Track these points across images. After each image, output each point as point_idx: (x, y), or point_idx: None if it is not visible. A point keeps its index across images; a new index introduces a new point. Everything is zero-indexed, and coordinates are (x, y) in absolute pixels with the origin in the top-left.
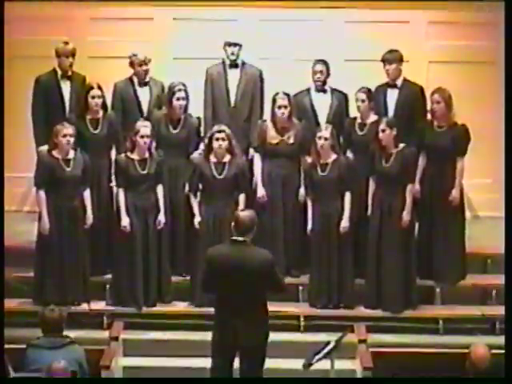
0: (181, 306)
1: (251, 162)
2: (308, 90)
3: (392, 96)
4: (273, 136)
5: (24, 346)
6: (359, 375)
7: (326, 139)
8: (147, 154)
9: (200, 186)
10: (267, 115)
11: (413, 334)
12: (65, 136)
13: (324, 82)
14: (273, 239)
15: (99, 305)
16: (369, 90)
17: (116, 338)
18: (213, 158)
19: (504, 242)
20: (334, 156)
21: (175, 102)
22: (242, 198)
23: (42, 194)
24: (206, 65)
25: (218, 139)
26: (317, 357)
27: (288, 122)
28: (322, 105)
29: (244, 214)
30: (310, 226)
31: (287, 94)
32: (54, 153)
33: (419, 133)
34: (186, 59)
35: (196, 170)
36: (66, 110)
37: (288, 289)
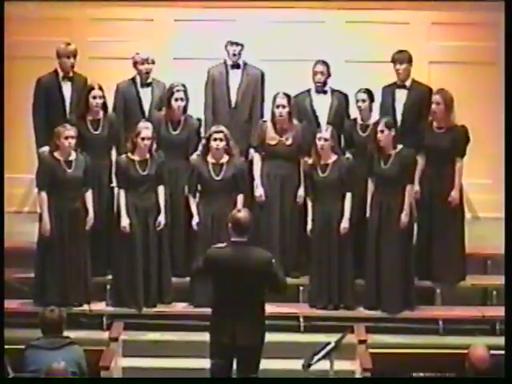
0: (181, 307)
1: (251, 162)
2: (308, 90)
3: (400, 97)
4: (272, 137)
5: (24, 347)
6: (359, 376)
7: (326, 140)
8: (148, 155)
9: (198, 187)
10: (268, 116)
11: (413, 334)
12: (66, 138)
13: (324, 83)
14: (271, 239)
15: (99, 305)
16: (369, 90)
17: (116, 339)
18: (211, 159)
19: (504, 243)
20: (334, 157)
21: (174, 103)
22: (240, 198)
23: (44, 195)
24: (206, 65)
25: (215, 140)
26: (316, 357)
27: (287, 123)
28: (323, 106)
29: (241, 214)
30: (310, 227)
31: (287, 95)
32: (56, 154)
33: (419, 134)
34: (186, 60)
35: (194, 170)
36: (67, 111)
37: (289, 289)
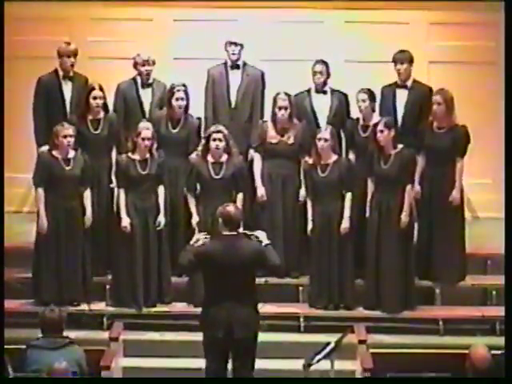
0: (181, 307)
1: (251, 162)
2: (308, 90)
3: (401, 96)
4: (272, 136)
5: (24, 347)
6: (359, 376)
7: (326, 140)
8: (148, 155)
9: (198, 186)
10: (268, 116)
11: (413, 334)
12: (65, 137)
13: (324, 83)
14: (272, 239)
15: (99, 305)
16: (369, 90)
17: (116, 339)
18: (210, 158)
19: (504, 243)
20: (334, 157)
21: (174, 103)
22: (239, 197)
23: (41, 191)
24: (206, 65)
25: (215, 139)
26: (317, 357)
27: (288, 123)
28: (322, 105)
29: (231, 208)
30: (310, 227)
31: (288, 95)
32: (54, 152)
33: (419, 134)
34: (186, 59)
35: (193, 170)
36: (67, 111)
37: (289, 288)
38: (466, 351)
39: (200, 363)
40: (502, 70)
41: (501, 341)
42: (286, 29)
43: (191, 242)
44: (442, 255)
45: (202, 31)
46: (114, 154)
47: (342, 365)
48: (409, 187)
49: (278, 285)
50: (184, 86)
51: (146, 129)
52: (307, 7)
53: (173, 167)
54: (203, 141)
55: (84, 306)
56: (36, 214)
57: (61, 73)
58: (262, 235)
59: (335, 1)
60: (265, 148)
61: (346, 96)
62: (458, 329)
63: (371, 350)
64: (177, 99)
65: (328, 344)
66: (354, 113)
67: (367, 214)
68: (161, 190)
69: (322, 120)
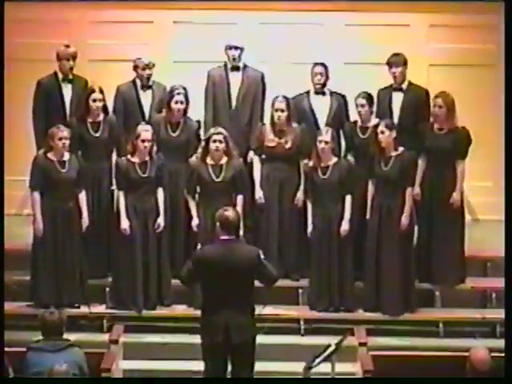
0: (180, 309)
1: (251, 164)
2: (307, 92)
3: (397, 99)
4: (270, 139)
5: (24, 349)
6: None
7: (326, 143)
8: (147, 158)
9: (198, 189)
10: (267, 119)
11: (413, 337)
12: (60, 139)
13: (323, 85)
14: (270, 242)
15: (99, 308)
16: (368, 94)
17: (116, 341)
18: (210, 161)
19: (504, 245)
20: (334, 159)
21: (174, 106)
22: (239, 199)
23: (37, 195)
24: (206, 68)
25: (215, 141)
26: (317, 360)
27: (286, 126)
28: (322, 107)
29: (229, 213)
30: (310, 229)
31: (286, 98)
32: (49, 155)
33: (420, 135)
34: (186, 62)
35: (193, 172)
36: (67, 114)
37: (289, 291)
38: (466, 353)
39: (200, 366)
40: (502, 72)
41: (501, 343)
42: (285, 31)
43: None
44: (442, 257)
45: (202, 34)
46: (114, 156)
47: (343, 367)
48: (409, 189)
49: (278, 287)
50: (183, 88)
51: (145, 131)
52: (307, 9)
53: (173, 170)
54: (203, 143)
55: (84, 309)
56: (33, 216)
57: (60, 75)
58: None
59: (335, 2)
60: (263, 151)
61: (344, 98)
62: (458, 331)
63: (371, 353)
64: (176, 102)
65: (328, 346)
66: (353, 115)
67: (367, 216)
68: (160, 192)
69: (321, 122)
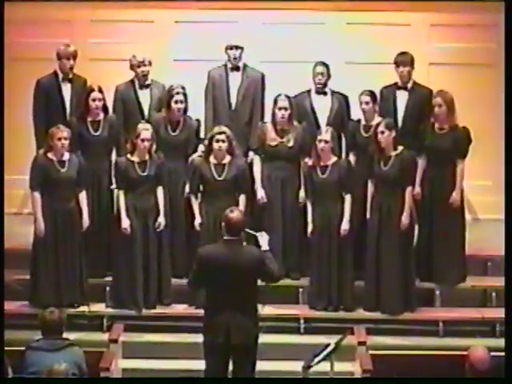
0: (180, 308)
1: (251, 164)
2: (308, 91)
3: (401, 98)
4: (272, 138)
5: (23, 348)
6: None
7: (326, 142)
8: (147, 157)
9: (200, 188)
10: (268, 118)
11: (413, 336)
12: (59, 139)
13: (325, 85)
14: (272, 241)
15: (99, 307)
16: (372, 92)
17: (115, 341)
18: (213, 160)
19: (504, 245)
20: (334, 158)
21: (173, 105)
22: (242, 198)
23: (37, 195)
24: (206, 67)
25: (218, 141)
26: (316, 359)
27: (288, 125)
28: (323, 107)
29: (233, 214)
30: (310, 229)
31: (288, 97)
32: (49, 155)
33: (420, 135)
34: (186, 61)
35: (196, 171)
36: (67, 113)
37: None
38: (466, 353)
39: (200, 365)
40: (502, 71)
41: (500, 342)
42: (286, 30)
43: None
44: (442, 257)
45: (202, 33)
46: (113, 155)
47: (342, 366)
48: (409, 189)
49: (277, 286)
50: (183, 88)
51: (145, 130)
52: (308, 9)
53: (172, 169)
54: (206, 142)
55: (84, 308)
56: (33, 216)
57: (60, 75)
58: (263, 239)
59: (336, 1)
60: (264, 150)
61: (346, 98)
62: (457, 330)
63: (371, 352)
64: (176, 102)
65: (328, 345)
66: (355, 114)
67: (367, 216)
68: (160, 191)
69: (322, 121)
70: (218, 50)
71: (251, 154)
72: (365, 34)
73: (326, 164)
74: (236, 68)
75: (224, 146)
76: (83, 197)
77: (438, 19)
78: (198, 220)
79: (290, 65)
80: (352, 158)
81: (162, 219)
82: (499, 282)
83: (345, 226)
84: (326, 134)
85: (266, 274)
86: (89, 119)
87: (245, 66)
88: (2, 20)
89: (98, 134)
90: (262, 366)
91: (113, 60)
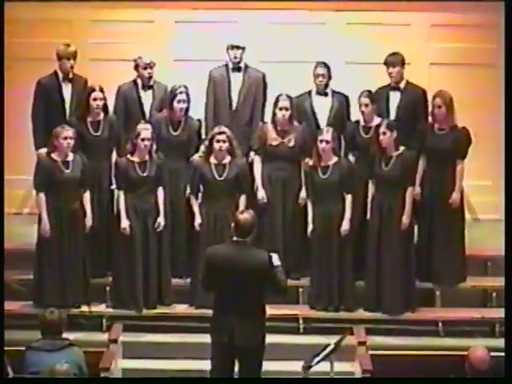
0: (181, 309)
1: (251, 164)
2: (309, 92)
3: (394, 99)
4: (273, 138)
5: (23, 348)
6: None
7: (327, 142)
8: (147, 157)
9: (201, 188)
10: (268, 118)
11: (413, 336)
12: (65, 138)
13: (326, 85)
14: (273, 241)
15: (99, 307)
16: (371, 92)
17: (115, 341)
18: (213, 160)
19: (504, 245)
20: (334, 159)
21: (176, 105)
22: (242, 199)
23: (42, 196)
24: (207, 67)
25: (218, 141)
26: (316, 359)
27: (288, 125)
28: (323, 107)
29: (245, 216)
30: (310, 229)
31: (289, 97)
32: (53, 155)
33: (420, 135)
34: (186, 61)
35: (196, 171)
36: (67, 113)
37: (289, 290)
38: (466, 353)
39: (200, 365)
40: (502, 71)
41: (500, 342)
42: (287, 30)
43: None
44: (442, 257)
45: (203, 33)
46: (114, 155)
47: (342, 367)
48: (410, 189)
49: None
50: (185, 87)
51: (145, 129)
52: (308, 9)
53: (173, 169)
54: (206, 142)
55: (84, 308)
56: (38, 216)
57: (60, 75)
58: (274, 257)
59: (337, 1)
60: (265, 150)
61: (346, 98)
62: (457, 330)
63: (370, 352)
64: (178, 101)
65: (327, 346)
66: (355, 115)
67: (368, 216)
68: (160, 191)
69: (323, 121)
70: (218, 50)
71: (252, 154)
72: (365, 34)
73: (326, 164)
74: (237, 68)
75: (224, 146)
76: (87, 197)
77: (438, 19)
78: (198, 220)
79: (290, 65)
80: (351, 158)
81: (161, 219)
82: (499, 282)
83: (345, 226)
84: (327, 134)
85: (272, 281)
86: (89, 119)
87: (246, 66)
88: (2, 20)
89: (98, 134)
90: (262, 365)
91: (113, 60)
